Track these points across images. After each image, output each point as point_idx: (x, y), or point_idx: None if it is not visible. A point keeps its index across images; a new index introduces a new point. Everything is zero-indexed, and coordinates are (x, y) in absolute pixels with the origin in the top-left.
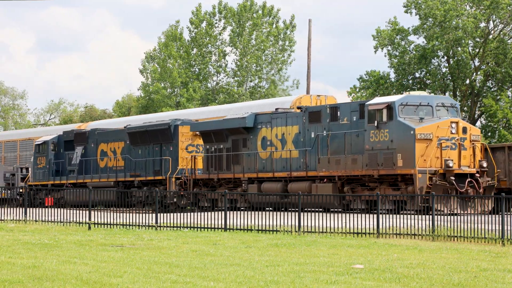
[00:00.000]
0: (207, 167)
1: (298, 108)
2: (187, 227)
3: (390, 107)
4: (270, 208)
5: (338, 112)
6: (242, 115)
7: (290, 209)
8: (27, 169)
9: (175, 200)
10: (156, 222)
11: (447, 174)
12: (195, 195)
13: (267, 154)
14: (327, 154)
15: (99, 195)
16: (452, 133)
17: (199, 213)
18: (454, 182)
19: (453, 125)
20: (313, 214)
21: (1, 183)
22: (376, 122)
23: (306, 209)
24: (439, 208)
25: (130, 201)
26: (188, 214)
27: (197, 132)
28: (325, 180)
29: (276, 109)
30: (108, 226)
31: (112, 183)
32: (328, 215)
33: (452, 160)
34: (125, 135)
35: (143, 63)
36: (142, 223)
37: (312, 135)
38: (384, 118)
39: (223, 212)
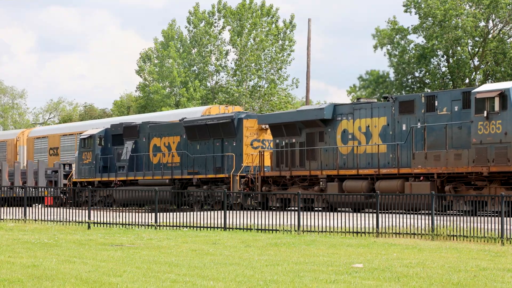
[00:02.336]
0: (277, 163)
1: (385, 97)
2: (186, 227)
3: (503, 94)
4: (349, 209)
5: (436, 102)
6: (320, 106)
7: (381, 211)
8: (70, 165)
9: (239, 200)
10: (156, 222)
11: None
12: (263, 195)
13: (349, 149)
14: (423, 148)
15: (161, 194)
16: None
17: (198, 213)
18: None
19: None
20: (312, 213)
21: (43, 180)
22: (485, 112)
23: (395, 210)
24: None
25: (187, 200)
26: (188, 213)
27: (263, 126)
28: (421, 178)
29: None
30: (108, 225)
31: (167, 180)
32: (328, 214)
33: None
34: (181, 129)
35: (139, 64)
36: (142, 222)
37: (404, 128)
38: (496, 108)
39: (222, 212)
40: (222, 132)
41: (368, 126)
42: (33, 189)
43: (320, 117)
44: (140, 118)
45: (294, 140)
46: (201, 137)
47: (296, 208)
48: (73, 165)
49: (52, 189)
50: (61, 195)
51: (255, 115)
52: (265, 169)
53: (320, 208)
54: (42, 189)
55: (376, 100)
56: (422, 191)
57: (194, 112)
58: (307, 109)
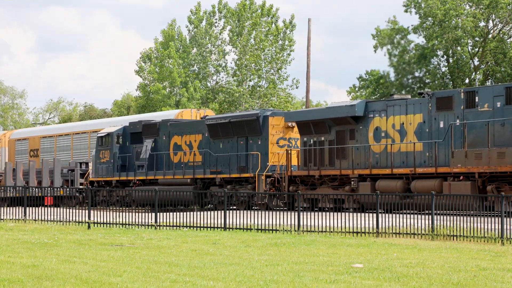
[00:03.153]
0: (304, 162)
1: (420, 93)
2: (186, 227)
3: None
4: (381, 210)
5: (476, 98)
6: (351, 102)
7: (421, 212)
8: (86, 164)
9: (265, 200)
10: (156, 222)
11: None
12: (291, 195)
13: (382, 147)
14: (463, 147)
15: (182, 194)
16: None
17: (198, 213)
18: None
19: None
20: (312, 213)
21: (58, 179)
22: None
23: (435, 211)
24: None
25: (210, 201)
26: (188, 213)
27: (289, 124)
28: (461, 177)
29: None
30: (108, 225)
31: (188, 180)
32: (327, 214)
33: None
34: (203, 127)
35: (139, 64)
36: (142, 222)
37: (441, 125)
38: None
39: (222, 212)
40: (246, 130)
41: (403, 123)
42: (49, 189)
43: (351, 114)
44: (109, 122)
45: (323, 138)
46: (224, 135)
47: (327, 208)
48: (90, 164)
49: (68, 189)
50: (78, 195)
51: (282, 112)
52: (291, 168)
53: (351, 209)
54: (58, 188)
55: (410, 97)
56: (462, 191)
57: (167, 115)
58: (337, 106)
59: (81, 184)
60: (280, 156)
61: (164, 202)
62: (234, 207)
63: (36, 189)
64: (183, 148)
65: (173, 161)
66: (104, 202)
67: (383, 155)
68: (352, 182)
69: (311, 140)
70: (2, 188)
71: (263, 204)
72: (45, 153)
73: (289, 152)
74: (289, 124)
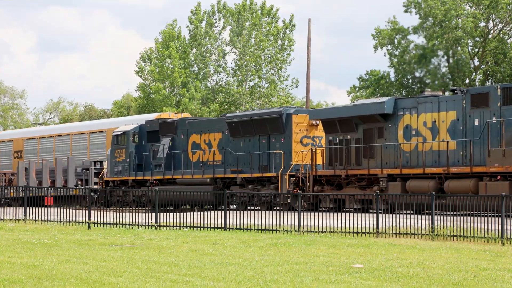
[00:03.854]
0: (330, 161)
1: (452, 90)
2: (186, 227)
3: None
4: (411, 211)
5: None
6: (379, 100)
7: (449, 213)
8: (101, 163)
9: (288, 200)
10: (156, 222)
11: None
12: (316, 195)
13: (412, 146)
14: (500, 145)
15: (201, 194)
16: None
17: (198, 213)
18: None
19: None
20: (312, 213)
21: (73, 179)
22: None
23: (468, 212)
24: None
25: (231, 201)
26: (188, 213)
27: (313, 122)
28: (498, 177)
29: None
30: (108, 225)
31: (208, 180)
32: (328, 214)
33: None
34: (223, 125)
35: (138, 65)
36: (142, 222)
37: (476, 123)
38: None
39: (222, 212)
40: (269, 128)
41: (435, 121)
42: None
43: (380, 111)
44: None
45: (349, 137)
46: (245, 134)
47: (352, 209)
48: (105, 163)
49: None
50: (92, 194)
51: (306, 110)
52: (316, 167)
53: (380, 211)
54: (72, 188)
55: (441, 93)
56: (499, 192)
57: (142, 119)
58: (365, 103)
59: (96, 183)
60: (304, 155)
61: (181, 202)
62: (258, 208)
63: (50, 189)
64: (202, 147)
65: (192, 160)
66: (120, 202)
67: (414, 154)
68: (381, 182)
69: (337, 138)
70: (15, 188)
71: (286, 204)
72: (29, 155)
73: (314, 151)
74: (313, 122)
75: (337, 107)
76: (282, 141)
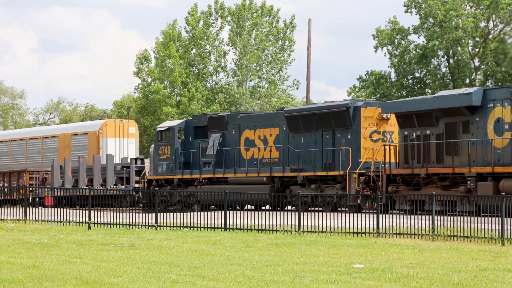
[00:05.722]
0: (405, 159)
1: None
2: (187, 227)
3: None
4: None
5: None
6: (466, 90)
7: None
8: (142, 160)
9: (358, 202)
10: (156, 222)
11: None
12: (389, 196)
13: (505, 142)
14: None
15: (259, 194)
16: None
17: (199, 213)
18: None
19: None
20: (312, 213)
21: (112, 178)
22: None
23: None
24: None
25: (290, 201)
26: (188, 213)
27: (384, 116)
28: None
29: None
30: (108, 225)
31: (264, 178)
32: (328, 214)
33: None
34: (281, 119)
35: (137, 65)
36: (142, 222)
37: None
38: None
39: (222, 212)
40: (334, 122)
41: None
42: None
43: (466, 103)
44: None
45: (428, 132)
46: (306, 129)
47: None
48: (146, 161)
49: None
50: (134, 194)
51: (376, 102)
52: (387, 165)
53: (465, 213)
54: (111, 187)
55: None
56: None
57: (88, 126)
58: (447, 95)
59: (137, 182)
60: (375, 151)
61: (234, 203)
62: (321, 209)
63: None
64: (256, 143)
65: (245, 157)
66: (164, 203)
67: (508, 151)
68: (469, 182)
69: (413, 133)
70: (49, 188)
71: (354, 206)
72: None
73: (389, 147)
74: (384, 115)
75: (415, 99)
76: (349, 137)
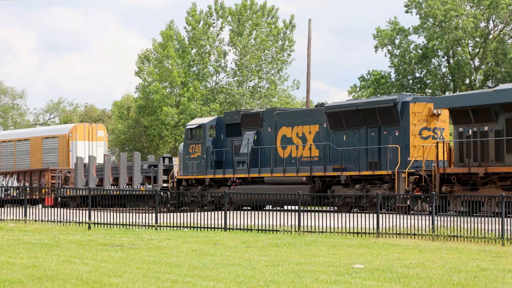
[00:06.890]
0: (460, 157)
1: None
2: (187, 227)
3: None
4: None
5: None
6: None
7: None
8: (170, 158)
9: (408, 203)
10: (156, 222)
11: None
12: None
13: None
14: None
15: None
16: None
17: (199, 213)
18: None
19: None
20: (313, 214)
21: (138, 176)
22: None
23: None
24: None
25: (333, 201)
26: (188, 213)
27: (434, 112)
28: None
29: None
30: (108, 226)
31: (303, 178)
32: (327, 215)
33: None
34: (321, 116)
35: (138, 65)
36: (142, 223)
37: None
38: None
39: (223, 212)
40: (379, 119)
41: None
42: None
43: None
44: None
45: (486, 128)
46: (349, 126)
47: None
48: (175, 160)
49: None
50: (161, 194)
51: (426, 97)
52: (440, 164)
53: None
54: (138, 187)
55: None
56: None
57: (59, 129)
58: (509, 88)
59: (165, 181)
60: (425, 149)
61: (269, 203)
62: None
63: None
64: (294, 141)
65: (282, 156)
66: (194, 203)
67: None
68: None
69: (469, 130)
70: (72, 189)
71: (403, 207)
72: None
73: (444, 144)
74: (435, 111)
75: (471, 94)
76: (397, 134)
